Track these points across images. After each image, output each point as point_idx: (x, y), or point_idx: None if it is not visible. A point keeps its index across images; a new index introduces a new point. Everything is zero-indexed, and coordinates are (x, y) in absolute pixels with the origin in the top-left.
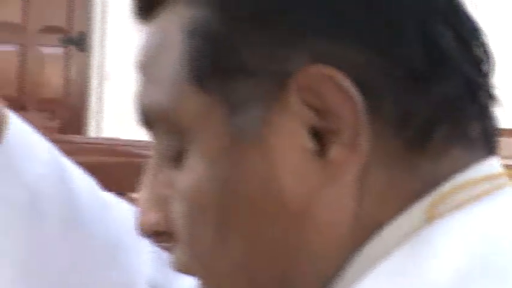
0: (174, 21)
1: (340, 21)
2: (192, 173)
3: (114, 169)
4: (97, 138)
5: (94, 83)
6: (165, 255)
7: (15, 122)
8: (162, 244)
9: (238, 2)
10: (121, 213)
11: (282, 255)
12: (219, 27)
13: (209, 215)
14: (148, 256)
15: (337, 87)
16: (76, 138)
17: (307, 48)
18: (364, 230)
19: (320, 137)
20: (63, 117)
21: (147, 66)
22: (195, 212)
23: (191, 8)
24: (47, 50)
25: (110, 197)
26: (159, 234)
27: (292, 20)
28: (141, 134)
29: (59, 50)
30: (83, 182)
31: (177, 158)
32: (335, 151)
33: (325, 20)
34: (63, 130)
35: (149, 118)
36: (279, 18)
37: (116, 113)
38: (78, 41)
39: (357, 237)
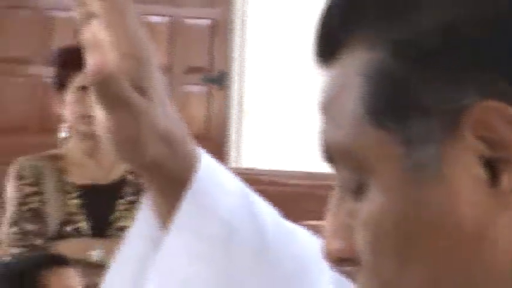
0: (353, 65)
1: (508, 57)
2: (373, 205)
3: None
4: (238, 169)
5: (234, 118)
6: (346, 283)
7: (205, 157)
8: (345, 271)
9: (413, 44)
10: (303, 240)
11: (462, 280)
12: (396, 68)
13: (391, 243)
14: (330, 282)
15: (507, 120)
16: None
17: (478, 84)
18: None
19: (491, 167)
20: (205, 150)
21: (328, 107)
22: (377, 241)
23: (368, 52)
24: (190, 89)
25: (290, 224)
26: (343, 261)
27: (464, 58)
28: (278, 164)
29: (201, 89)
30: (268, 211)
31: (357, 190)
32: (507, 180)
33: (494, 56)
34: None
35: (331, 154)
36: (452, 57)
37: (255, 145)
38: (218, 80)
39: None
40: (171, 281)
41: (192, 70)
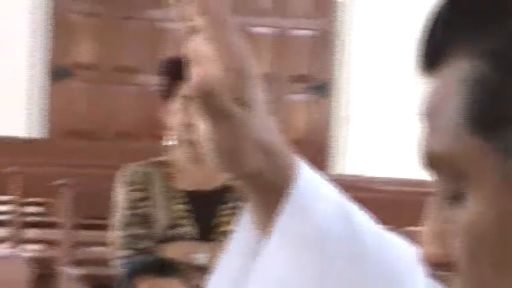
0: (454, 74)
1: None
2: (470, 212)
3: (358, 203)
4: (341, 175)
5: (335, 125)
6: None
7: (302, 166)
8: (441, 276)
9: (510, 54)
10: (399, 248)
11: None
12: (494, 78)
13: (488, 250)
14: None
15: None
16: (322, 174)
17: None
18: None
19: None
20: (308, 156)
21: (430, 115)
22: (475, 248)
23: (469, 61)
24: (294, 98)
25: (386, 232)
26: (439, 266)
27: None
28: (379, 171)
29: (305, 97)
30: (364, 218)
31: (455, 198)
32: None
33: None
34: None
35: (430, 161)
36: None
37: (355, 152)
38: (321, 88)
39: None
40: (270, 285)
41: (297, 79)
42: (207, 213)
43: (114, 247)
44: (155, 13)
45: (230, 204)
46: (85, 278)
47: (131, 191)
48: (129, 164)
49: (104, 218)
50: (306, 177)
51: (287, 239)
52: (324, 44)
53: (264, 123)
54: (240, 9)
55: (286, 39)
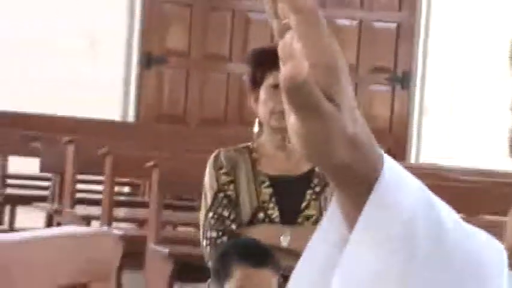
0: None
1: None
2: None
3: (436, 192)
4: (418, 164)
5: (415, 116)
6: None
7: (387, 159)
8: None
9: None
10: (482, 243)
11: None
12: None
13: None
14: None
15: None
16: (400, 163)
17: None
18: None
19: None
20: (388, 146)
21: None
22: None
23: None
24: (375, 88)
25: (469, 226)
26: None
27: None
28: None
29: (385, 88)
30: (448, 212)
31: None
32: None
33: None
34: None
35: None
36: None
37: (434, 142)
38: (402, 80)
39: None
40: (357, 278)
41: (378, 70)
42: (292, 198)
43: (202, 228)
44: (245, 4)
45: (316, 189)
46: (171, 256)
47: (220, 174)
48: (219, 149)
49: (190, 200)
50: (391, 169)
51: (372, 231)
52: (406, 36)
53: (352, 117)
54: (328, 2)
55: (369, 31)
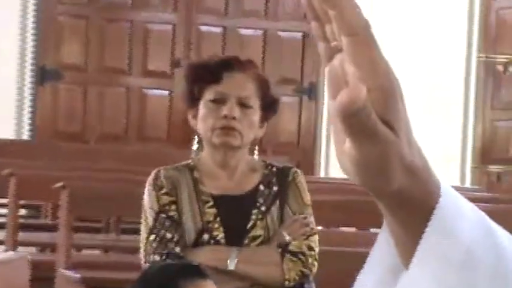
0: None
1: None
2: None
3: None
4: (327, 178)
5: (323, 128)
6: None
7: (443, 185)
8: None
9: None
10: None
11: None
12: None
13: None
14: None
15: None
16: (311, 178)
17: None
18: None
19: None
20: (296, 158)
21: None
22: None
23: None
24: (282, 99)
25: None
26: None
27: None
28: None
29: (292, 99)
30: (504, 234)
31: None
32: None
33: None
34: None
35: None
36: None
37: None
38: (309, 91)
39: None
40: None
41: (285, 81)
42: (237, 218)
43: (144, 252)
44: (144, 15)
45: (261, 209)
46: (84, 282)
47: (161, 195)
48: (159, 168)
49: (96, 221)
50: (449, 195)
51: (432, 258)
52: (312, 46)
53: (408, 142)
54: (230, 12)
55: (275, 41)
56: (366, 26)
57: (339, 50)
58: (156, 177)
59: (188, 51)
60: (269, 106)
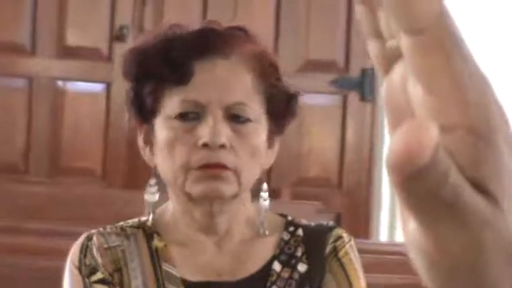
0: None
1: None
2: None
3: None
4: (392, 245)
5: (384, 149)
6: None
7: None
8: None
9: None
10: None
11: None
12: None
13: None
14: None
15: None
16: (365, 245)
17: None
18: None
19: None
20: (337, 208)
21: None
22: None
23: None
24: (312, 97)
25: None
26: None
27: None
28: None
29: (331, 99)
30: None
31: None
32: None
33: None
34: None
35: None
36: None
37: None
38: (359, 84)
39: None
40: None
41: (315, 67)
42: None
43: None
44: None
45: None
46: None
47: (93, 283)
48: (89, 233)
49: None
50: None
51: None
52: None
53: None
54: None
55: None
56: (441, 17)
57: (399, 54)
58: (85, 251)
59: (141, 13)
60: (282, 110)
